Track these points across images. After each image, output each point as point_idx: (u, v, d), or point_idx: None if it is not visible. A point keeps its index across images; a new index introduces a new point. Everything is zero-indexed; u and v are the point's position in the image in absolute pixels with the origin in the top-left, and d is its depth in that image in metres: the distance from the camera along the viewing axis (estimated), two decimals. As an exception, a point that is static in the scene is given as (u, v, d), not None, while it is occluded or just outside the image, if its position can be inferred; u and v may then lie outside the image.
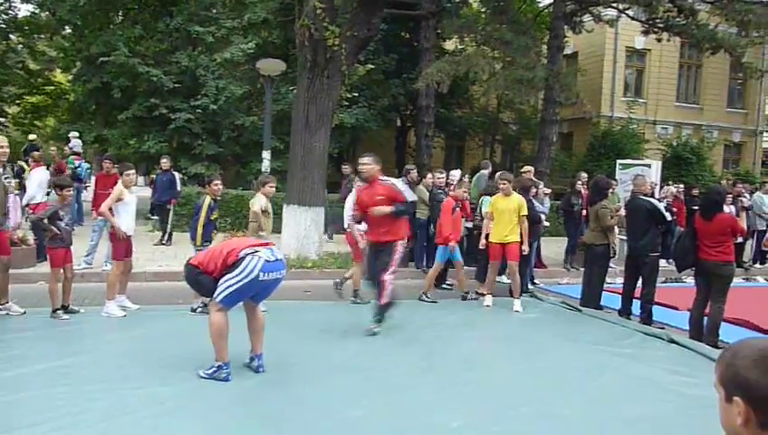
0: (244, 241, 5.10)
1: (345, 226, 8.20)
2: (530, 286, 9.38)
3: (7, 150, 6.62)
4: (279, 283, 4.97)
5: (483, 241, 8.42)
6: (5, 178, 6.61)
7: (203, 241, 7.27)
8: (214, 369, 4.80)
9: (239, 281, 4.67)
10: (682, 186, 14.33)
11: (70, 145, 15.85)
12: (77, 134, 16.38)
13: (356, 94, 17.54)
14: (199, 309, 6.85)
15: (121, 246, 7.02)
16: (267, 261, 4.74)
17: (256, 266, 4.68)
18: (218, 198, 7.71)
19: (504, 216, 8.07)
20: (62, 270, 6.63)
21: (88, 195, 14.46)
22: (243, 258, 4.71)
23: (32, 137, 17.75)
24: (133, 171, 7.37)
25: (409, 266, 10.86)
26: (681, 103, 25.64)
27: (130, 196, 7.12)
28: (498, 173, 9.38)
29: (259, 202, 7.35)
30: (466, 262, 9.55)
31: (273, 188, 7.69)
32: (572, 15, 18.59)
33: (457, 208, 8.64)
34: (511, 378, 5.28)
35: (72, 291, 6.83)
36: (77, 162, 14.72)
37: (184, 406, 4.30)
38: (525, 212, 8.09)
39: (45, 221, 6.54)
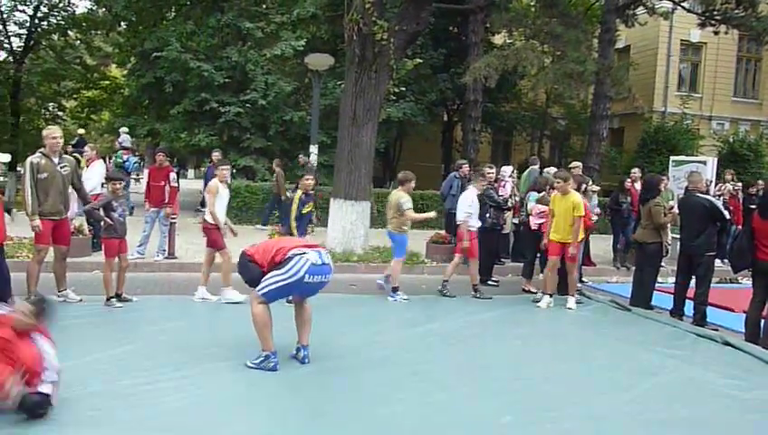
0: (295, 241, 5.16)
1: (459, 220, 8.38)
2: (578, 285, 9.21)
3: (61, 141, 6.78)
4: (324, 286, 5.00)
5: (545, 240, 8.27)
6: (62, 168, 6.76)
7: (299, 233, 7.66)
8: (261, 359, 4.87)
9: (284, 280, 4.74)
10: (740, 184, 13.88)
11: (119, 140, 16.54)
12: (126, 129, 16.98)
13: (403, 89, 17.51)
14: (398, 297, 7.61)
15: (220, 237, 7.37)
16: (314, 264, 4.79)
17: (303, 268, 4.74)
18: (311, 191, 8.07)
19: (562, 215, 7.94)
20: (116, 259, 6.83)
21: (139, 187, 14.86)
22: (290, 258, 4.76)
23: (80, 131, 18.72)
24: (228, 167, 7.81)
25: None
26: (738, 98, 24.84)
27: (224, 190, 7.53)
28: (553, 172, 9.24)
29: (407, 199, 8.01)
30: (514, 258, 9.47)
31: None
32: (625, 8, 18.17)
33: None
34: (557, 377, 5.20)
35: (125, 280, 7.02)
36: (125, 156, 15.37)
37: (231, 395, 4.38)
38: (581, 212, 7.83)
39: (100, 211, 6.74)
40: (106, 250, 6.81)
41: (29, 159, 6.59)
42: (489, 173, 10.02)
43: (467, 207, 8.23)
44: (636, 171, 12.30)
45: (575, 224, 7.82)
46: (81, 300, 6.81)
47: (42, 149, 6.70)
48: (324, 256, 4.94)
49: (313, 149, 12.81)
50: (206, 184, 13.15)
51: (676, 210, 8.19)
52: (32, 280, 6.60)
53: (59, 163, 6.72)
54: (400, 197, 8.00)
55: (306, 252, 4.82)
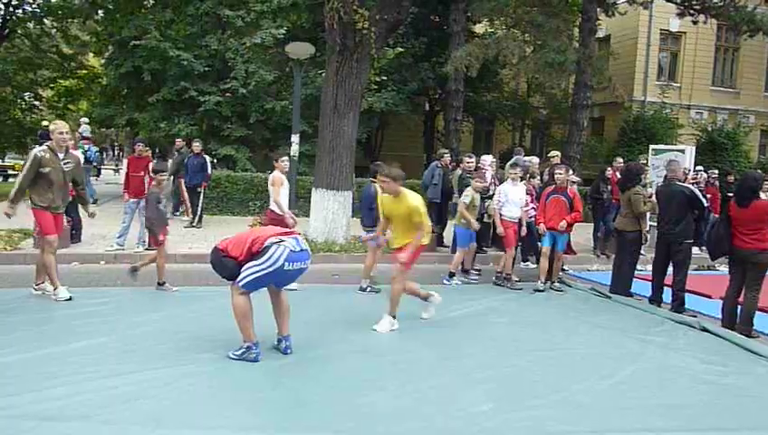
0: (271, 230, 5.12)
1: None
2: (560, 273, 9.28)
3: (68, 136, 6.81)
4: (303, 272, 5.00)
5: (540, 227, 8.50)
6: (65, 164, 6.75)
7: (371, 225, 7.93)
8: (243, 350, 4.86)
9: (263, 269, 4.72)
10: (716, 172, 14.05)
11: (80, 130, 17.12)
12: (87, 120, 17.83)
13: (385, 78, 17.47)
14: (369, 288, 7.67)
15: (279, 225, 7.43)
16: (292, 251, 4.77)
17: (281, 256, 4.72)
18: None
19: (399, 221, 6.51)
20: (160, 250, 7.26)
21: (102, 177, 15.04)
22: (268, 247, 4.74)
23: (44, 123, 18.95)
24: (287, 159, 8.07)
25: (437, 251, 10.86)
26: (717, 87, 25.10)
27: (285, 181, 7.90)
28: (555, 164, 9.43)
29: (471, 195, 8.54)
30: (496, 247, 9.54)
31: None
32: (605, -3, 18.26)
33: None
34: (538, 364, 5.25)
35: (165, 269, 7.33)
36: (86, 146, 16.05)
37: (213, 386, 4.36)
38: (421, 219, 6.24)
39: (160, 207, 7.28)
40: (156, 240, 7.31)
41: (34, 151, 6.58)
42: (468, 162, 10.05)
43: (499, 196, 8.66)
44: (619, 160, 12.40)
45: (418, 233, 6.01)
46: (70, 298, 6.65)
47: (48, 143, 6.68)
48: (302, 243, 4.93)
49: (295, 138, 12.74)
50: (185, 175, 13.09)
51: (654, 199, 8.29)
52: (52, 272, 6.62)
53: (63, 159, 6.71)
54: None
55: (284, 239, 4.81)
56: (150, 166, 9.88)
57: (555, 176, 8.57)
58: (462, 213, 8.58)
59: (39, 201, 6.55)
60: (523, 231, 8.70)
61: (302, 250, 4.87)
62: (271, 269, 4.72)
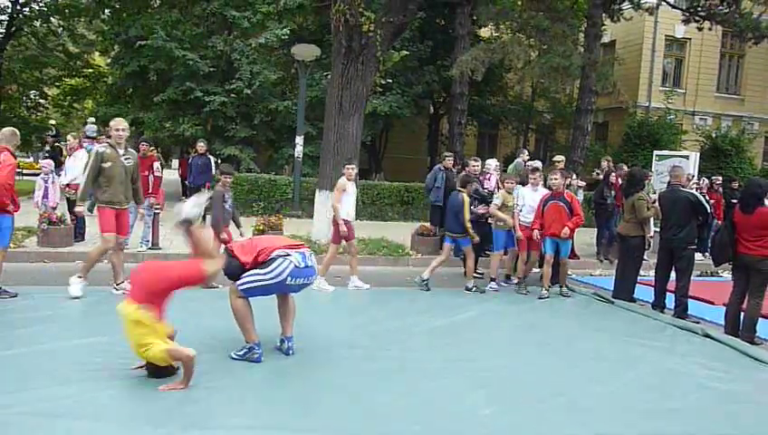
0: (279, 241, 5.12)
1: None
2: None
3: (126, 133, 6.97)
4: (306, 286, 5.01)
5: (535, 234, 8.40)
6: (126, 159, 6.90)
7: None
8: (245, 350, 4.87)
9: (265, 280, 4.74)
10: (720, 178, 14.03)
11: (85, 129, 17.63)
12: (93, 120, 18.04)
13: (390, 81, 17.50)
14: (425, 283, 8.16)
15: (342, 232, 7.96)
16: (297, 267, 4.78)
17: (285, 270, 4.73)
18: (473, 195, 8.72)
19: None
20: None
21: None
22: (274, 259, 4.75)
23: (51, 122, 19.39)
24: (353, 166, 8.37)
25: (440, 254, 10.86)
26: (721, 94, 25.08)
27: (352, 186, 8.17)
28: (534, 164, 9.35)
29: (503, 198, 8.62)
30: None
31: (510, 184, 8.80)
32: (611, 3, 18.29)
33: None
34: (541, 368, 5.25)
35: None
36: (90, 146, 16.20)
37: (215, 386, 4.37)
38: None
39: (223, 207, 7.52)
40: (219, 239, 7.37)
41: (96, 148, 6.80)
42: (474, 165, 10.04)
43: (517, 200, 8.64)
44: (607, 161, 12.39)
45: None
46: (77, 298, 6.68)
47: (108, 140, 6.91)
48: (308, 259, 4.91)
49: (299, 140, 12.80)
50: (189, 175, 13.14)
51: (657, 204, 8.27)
52: (90, 265, 6.74)
53: (123, 155, 6.86)
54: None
55: (290, 254, 4.80)
56: (156, 166, 9.90)
57: (550, 182, 8.53)
58: (494, 214, 8.61)
59: (101, 197, 6.71)
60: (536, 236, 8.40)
61: (307, 266, 4.86)
62: (273, 281, 4.74)
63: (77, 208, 6.71)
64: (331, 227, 8.23)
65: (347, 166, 8.23)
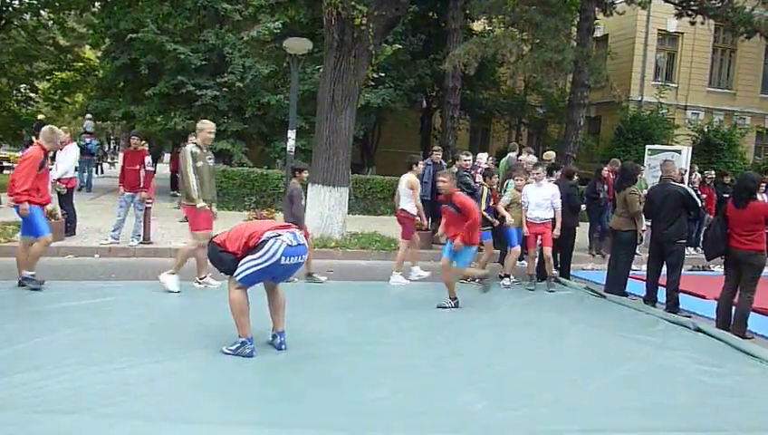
0: (267, 224, 5.10)
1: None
2: (554, 271, 9.25)
3: (212, 135, 7.27)
4: (300, 266, 5.01)
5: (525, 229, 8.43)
6: (209, 159, 7.21)
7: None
8: (237, 345, 4.84)
9: (261, 263, 4.71)
10: (713, 173, 14.07)
11: (84, 125, 19.08)
12: (90, 116, 19.37)
13: (382, 75, 17.40)
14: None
15: (412, 227, 8.46)
16: (289, 245, 4.76)
17: (279, 250, 4.71)
18: (494, 187, 8.97)
19: None
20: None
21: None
22: (265, 241, 4.72)
23: (40, 117, 20.25)
24: (421, 163, 8.84)
25: (434, 249, 10.86)
26: (713, 88, 25.15)
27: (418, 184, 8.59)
28: (528, 159, 9.34)
29: (512, 196, 8.60)
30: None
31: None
32: (604, -3, 18.27)
33: None
34: (533, 363, 5.25)
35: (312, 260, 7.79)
36: (88, 139, 17.76)
37: (207, 381, 4.35)
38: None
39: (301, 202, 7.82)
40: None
41: (188, 148, 7.02)
42: (465, 160, 10.03)
43: (524, 198, 8.50)
44: (616, 160, 12.40)
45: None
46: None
47: (195, 140, 7.21)
48: (299, 237, 4.92)
49: (291, 134, 12.71)
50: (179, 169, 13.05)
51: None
52: (201, 266, 7.04)
53: (208, 155, 7.20)
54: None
55: (281, 234, 4.79)
56: (147, 160, 9.83)
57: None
58: (500, 211, 8.57)
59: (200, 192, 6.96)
60: (556, 233, 8.34)
61: (299, 244, 4.86)
62: (268, 263, 4.70)
63: (199, 205, 6.93)
64: (398, 226, 8.60)
65: (421, 162, 8.83)
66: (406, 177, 8.51)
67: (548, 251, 8.36)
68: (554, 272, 8.62)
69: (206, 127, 7.22)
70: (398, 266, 8.31)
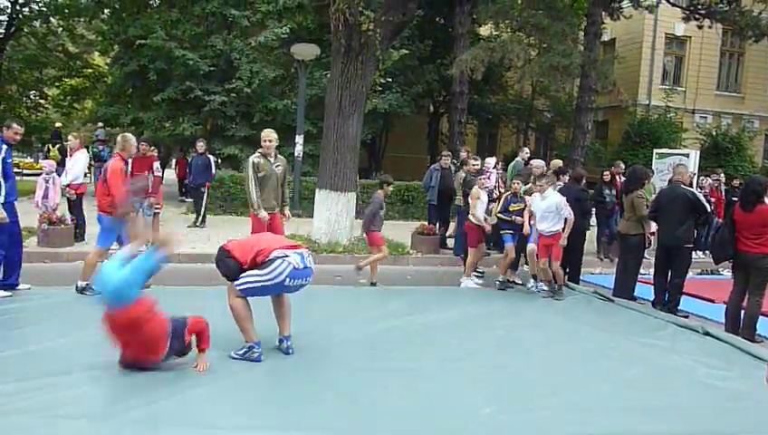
0: (278, 241, 5.10)
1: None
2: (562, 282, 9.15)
3: (270, 143, 7.41)
4: (304, 287, 4.99)
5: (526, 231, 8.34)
6: (276, 166, 7.42)
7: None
8: (245, 350, 4.86)
9: (264, 281, 4.72)
10: (723, 176, 14.00)
11: (96, 133, 19.41)
12: (102, 124, 19.82)
13: (389, 80, 17.46)
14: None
15: (477, 234, 8.65)
16: (296, 268, 4.75)
17: (284, 272, 4.71)
18: (518, 192, 8.79)
19: None
20: (383, 249, 8.29)
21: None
22: (272, 260, 4.73)
23: (57, 124, 20.62)
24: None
25: (441, 253, 10.87)
26: (721, 92, 25.06)
27: (484, 195, 8.75)
28: (536, 163, 9.33)
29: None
30: (499, 249, 9.48)
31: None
32: (611, 1, 18.27)
33: None
34: (540, 366, 5.25)
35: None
36: (100, 147, 18.10)
37: (215, 385, 4.36)
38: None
39: (380, 213, 8.22)
40: (374, 241, 8.26)
41: (251, 159, 7.32)
42: (474, 164, 10.04)
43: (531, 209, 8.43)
44: (621, 165, 12.38)
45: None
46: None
47: (260, 150, 7.43)
48: (306, 259, 4.89)
49: (299, 139, 12.78)
50: (188, 174, 13.12)
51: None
52: None
53: (274, 163, 7.43)
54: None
55: (288, 255, 4.78)
56: (155, 166, 9.90)
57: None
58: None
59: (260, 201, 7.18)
60: (562, 242, 8.00)
61: (305, 267, 4.84)
62: (271, 283, 4.72)
63: (261, 215, 7.18)
64: (461, 236, 8.89)
65: (480, 178, 9.05)
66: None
67: (555, 265, 8.10)
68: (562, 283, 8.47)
69: (264, 135, 7.45)
70: (468, 272, 8.73)
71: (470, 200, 8.76)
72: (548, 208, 7.96)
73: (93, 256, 6.77)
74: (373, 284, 8.26)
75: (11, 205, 6.42)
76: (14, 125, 6.69)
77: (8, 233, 6.36)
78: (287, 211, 7.84)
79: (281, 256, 4.75)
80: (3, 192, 6.28)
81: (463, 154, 12.12)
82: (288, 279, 4.73)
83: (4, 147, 6.46)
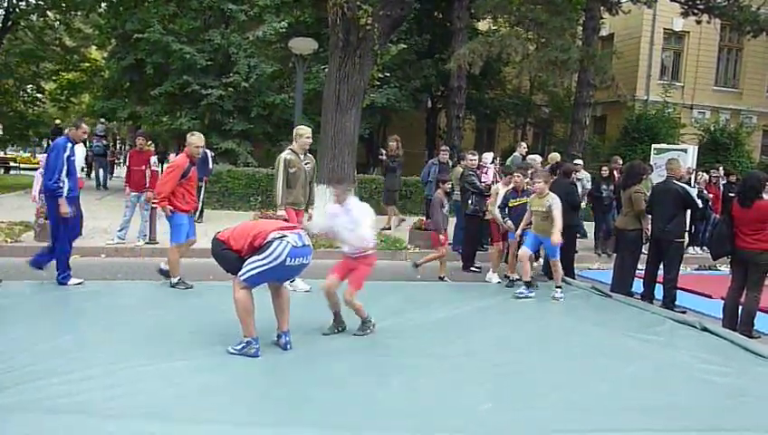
0: (273, 223, 5.09)
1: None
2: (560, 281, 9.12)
3: (310, 140, 7.46)
4: (304, 267, 5.00)
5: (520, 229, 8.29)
6: (306, 164, 7.44)
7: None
8: (243, 345, 4.85)
9: (265, 264, 4.70)
10: (722, 170, 13.98)
11: (96, 129, 19.81)
12: (103, 120, 20.33)
13: (387, 74, 17.44)
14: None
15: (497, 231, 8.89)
16: (294, 247, 4.76)
17: (284, 252, 4.71)
18: (520, 187, 8.74)
19: None
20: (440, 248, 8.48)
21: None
22: (271, 242, 4.72)
23: (57, 121, 21.10)
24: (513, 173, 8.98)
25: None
26: (720, 87, 25.05)
27: (503, 190, 8.76)
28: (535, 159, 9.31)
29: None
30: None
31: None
32: (609, -4, 18.22)
33: None
34: (539, 363, 5.24)
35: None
36: (95, 141, 18.81)
37: (213, 381, 4.35)
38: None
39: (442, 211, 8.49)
40: (433, 241, 8.71)
41: (282, 156, 7.33)
42: (471, 160, 10.02)
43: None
44: (618, 160, 12.39)
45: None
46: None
47: (291, 146, 7.44)
48: (304, 238, 4.92)
49: (296, 134, 12.75)
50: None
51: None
52: None
53: (304, 160, 7.46)
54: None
55: (286, 235, 4.79)
56: (153, 160, 9.87)
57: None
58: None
59: (285, 200, 7.24)
60: (554, 240, 7.64)
61: (304, 245, 4.86)
62: (273, 264, 4.70)
63: (279, 212, 7.19)
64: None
65: (518, 173, 8.80)
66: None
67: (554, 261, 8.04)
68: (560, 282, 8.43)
69: (304, 132, 7.44)
70: (495, 268, 8.85)
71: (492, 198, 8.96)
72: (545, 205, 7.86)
73: (173, 253, 7.12)
74: (441, 278, 8.51)
75: (74, 199, 6.87)
76: (83, 125, 7.10)
77: (71, 226, 6.85)
78: (311, 210, 7.74)
79: (278, 237, 4.75)
80: (67, 187, 6.66)
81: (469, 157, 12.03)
82: (289, 259, 4.72)
83: (70, 145, 6.80)
